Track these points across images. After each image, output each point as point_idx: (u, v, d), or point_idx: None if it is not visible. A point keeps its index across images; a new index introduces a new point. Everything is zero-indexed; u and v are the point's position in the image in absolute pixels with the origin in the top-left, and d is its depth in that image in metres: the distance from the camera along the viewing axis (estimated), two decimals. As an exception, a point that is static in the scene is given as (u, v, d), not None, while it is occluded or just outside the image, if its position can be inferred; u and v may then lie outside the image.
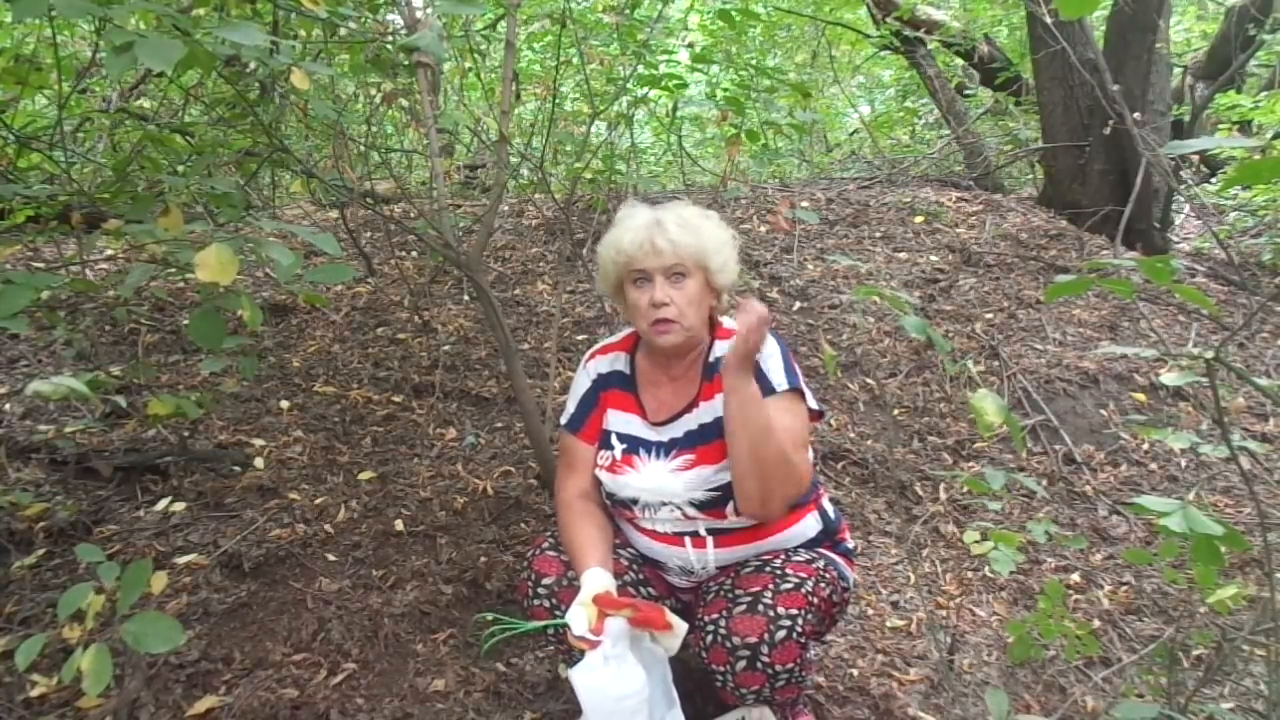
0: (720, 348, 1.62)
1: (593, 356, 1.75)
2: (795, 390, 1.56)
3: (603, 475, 1.65)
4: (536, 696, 1.88)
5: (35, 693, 1.70)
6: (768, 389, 1.55)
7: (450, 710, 1.81)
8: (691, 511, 1.58)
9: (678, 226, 1.55)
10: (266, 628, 1.96)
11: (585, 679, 1.40)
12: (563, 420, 1.75)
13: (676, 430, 1.62)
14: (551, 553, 1.63)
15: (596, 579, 1.49)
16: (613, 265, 1.60)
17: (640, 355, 1.71)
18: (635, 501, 1.62)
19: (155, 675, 1.78)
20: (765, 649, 1.44)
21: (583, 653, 1.43)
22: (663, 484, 1.58)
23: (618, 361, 1.72)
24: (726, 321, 1.67)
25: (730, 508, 1.56)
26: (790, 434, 1.52)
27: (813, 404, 1.61)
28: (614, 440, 1.67)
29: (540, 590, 1.59)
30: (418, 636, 2.00)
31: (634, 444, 1.64)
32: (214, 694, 1.76)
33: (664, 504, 1.59)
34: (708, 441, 1.58)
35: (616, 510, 1.68)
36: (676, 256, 1.54)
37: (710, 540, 1.60)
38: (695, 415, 1.61)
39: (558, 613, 1.56)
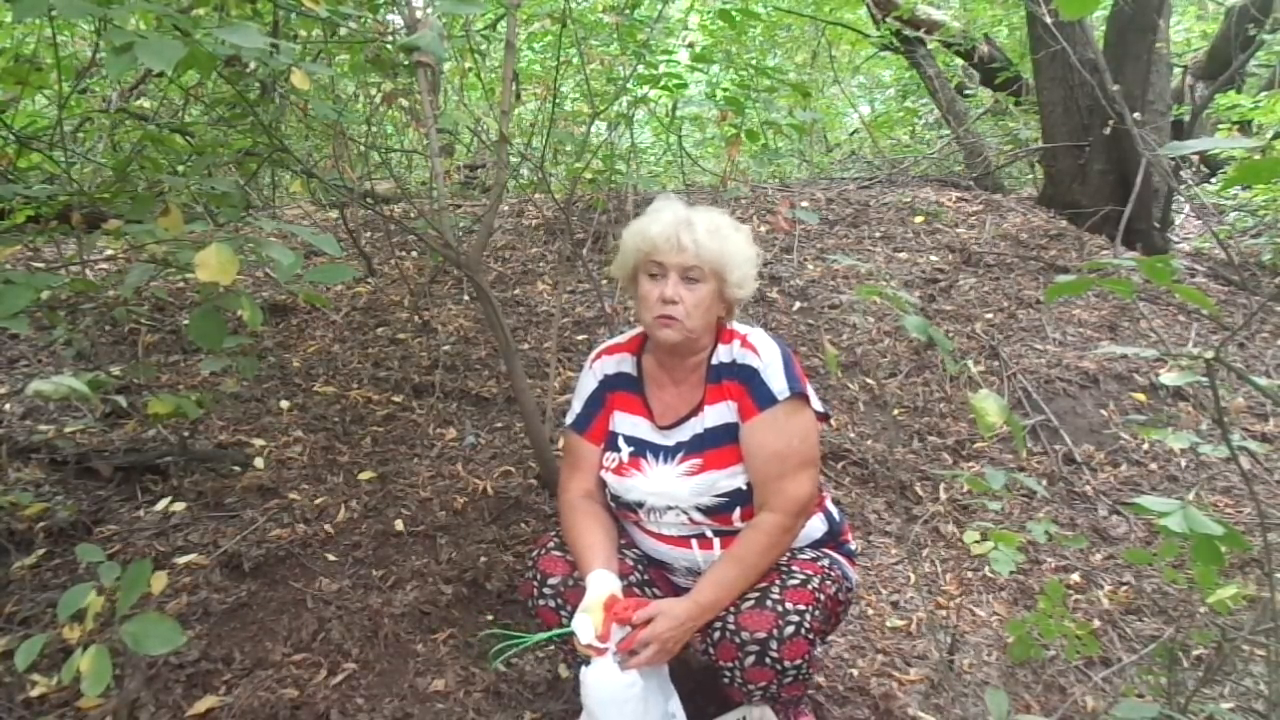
0: (723, 352, 1.61)
1: (599, 357, 1.74)
2: (798, 395, 1.55)
3: (609, 478, 1.65)
4: (536, 696, 1.88)
5: (35, 693, 1.70)
6: (768, 398, 1.54)
7: (450, 710, 1.81)
8: (698, 516, 1.58)
9: (706, 231, 1.54)
10: (266, 628, 1.96)
11: (597, 677, 1.42)
12: (568, 420, 1.74)
13: (683, 434, 1.62)
14: (557, 553, 1.63)
15: (601, 582, 1.49)
16: (634, 252, 1.60)
17: (646, 357, 1.70)
18: (641, 505, 1.62)
19: (155, 675, 1.78)
20: (774, 644, 1.44)
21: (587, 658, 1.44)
22: (669, 488, 1.58)
23: (624, 363, 1.71)
24: (731, 324, 1.66)
25: (737, 514, 1.56)
26: (789, 456, 1.53)
27: (818, 406, 1.61)
28: (621, 443, 1.66)
29: (546, 590, 1.59)
30: (418, 636, 2.00)
31: (641, 447, 1.64)
32: (214, 694, 1.76)
33: (670, 508, 1.59)
34: (717, 446, 1.58)
35: (621, 512, 1.68)
36: (697, 259, 1.53)
37: (717, 542, 1.60)
38: (701, 419, 1.60)
39: (564, 613, 1.56)
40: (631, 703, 1.41)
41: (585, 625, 1.43)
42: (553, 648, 1.89)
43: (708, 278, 1.55)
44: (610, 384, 1.71)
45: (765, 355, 1.57)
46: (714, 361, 1.62)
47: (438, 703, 1.82)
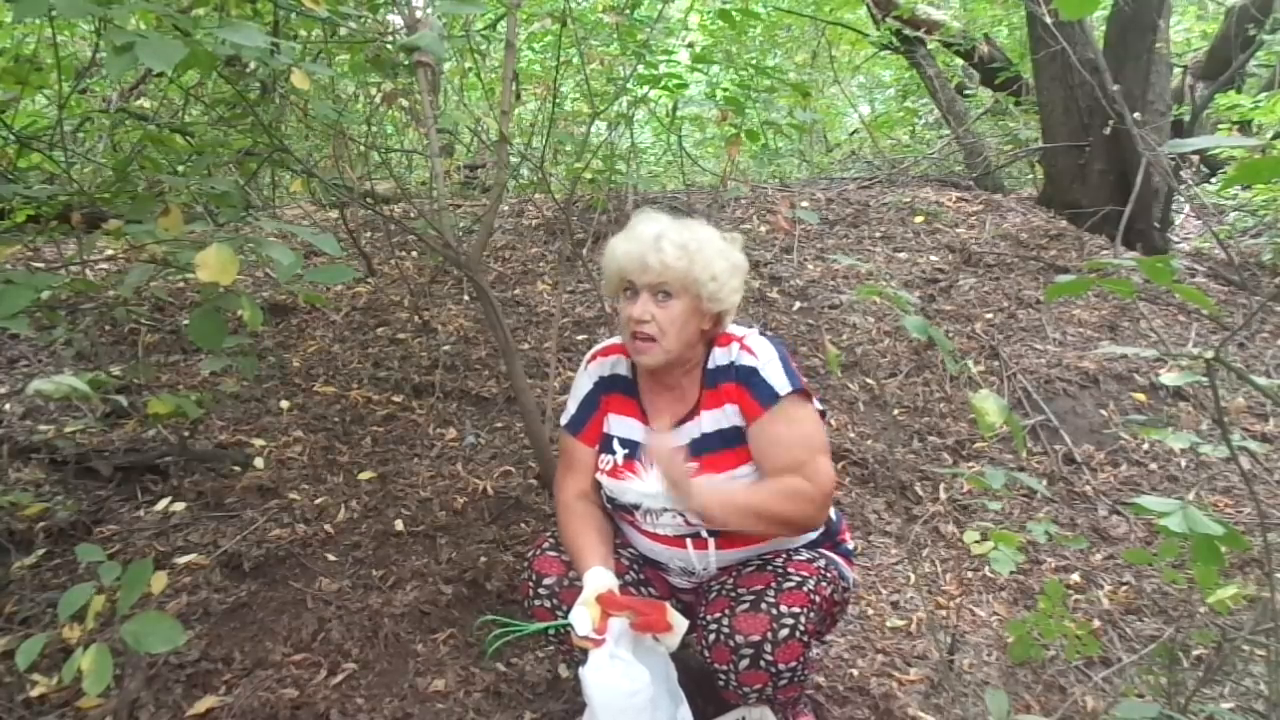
0: (719, 355, 1.60)
1: (594, 358, 1.74)
2: (799, 392, 1.55)
3: (604, 480, 1.65)
4: (536, 696, 1.88)
5: (35, 693, 1.70)
6: (770, 396, 1.53)
7: (450, 710, 1.81)
8: (693, 518, 1.58)
9: (676, 248, 1.50)
10: (266, 628, 1.96)
11: (596, 677, 1.40)
12: (563, 421, 1.74)
13: (680, 438, 1.61)
14: (552, 553, 1.63)
15: (599, 578, 1.49)
16: (610, 274, 1.60)
17: None
18: (637, 507, 1.62)
19: (155, 675, 1.78)
20: (768, 647, 1.44)
21: (586, 652, 1.43)
22: (665, 491, 1.58)
23: (619, 365, 1.71)
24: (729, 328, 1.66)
25: None
26: (804, 444, 1.52)
27: (815, 404, 1.61)
28: (616, 445, 1.66)
29: (542, 590, 1.59)
30: (418, 636, 2.00)
31: (636, 450, 1.64)
32: (214, 694, 1.76)
33: (665, 510, 1.59)
34: (714, 450, 1.57)
35: (617, 513, 1.68)
36: (663, 277, 1.50)
37: (712, 541, 1.60)
38: (697, 424, 1.59)
39: (559, 613, 1.56)
40: (635, 709, 1.40)
41: (583, 618, 1.44)
42: (552, 647, 1.89)
43: (679, 293, 1.52)
44: (605, 386, 1.71)
45: (763, 355, 1.56)
46: (710, 366, 1.61)
47: (438, 703, 1.82)
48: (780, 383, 1.54)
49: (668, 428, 1.58)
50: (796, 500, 1.49)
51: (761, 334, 1.63)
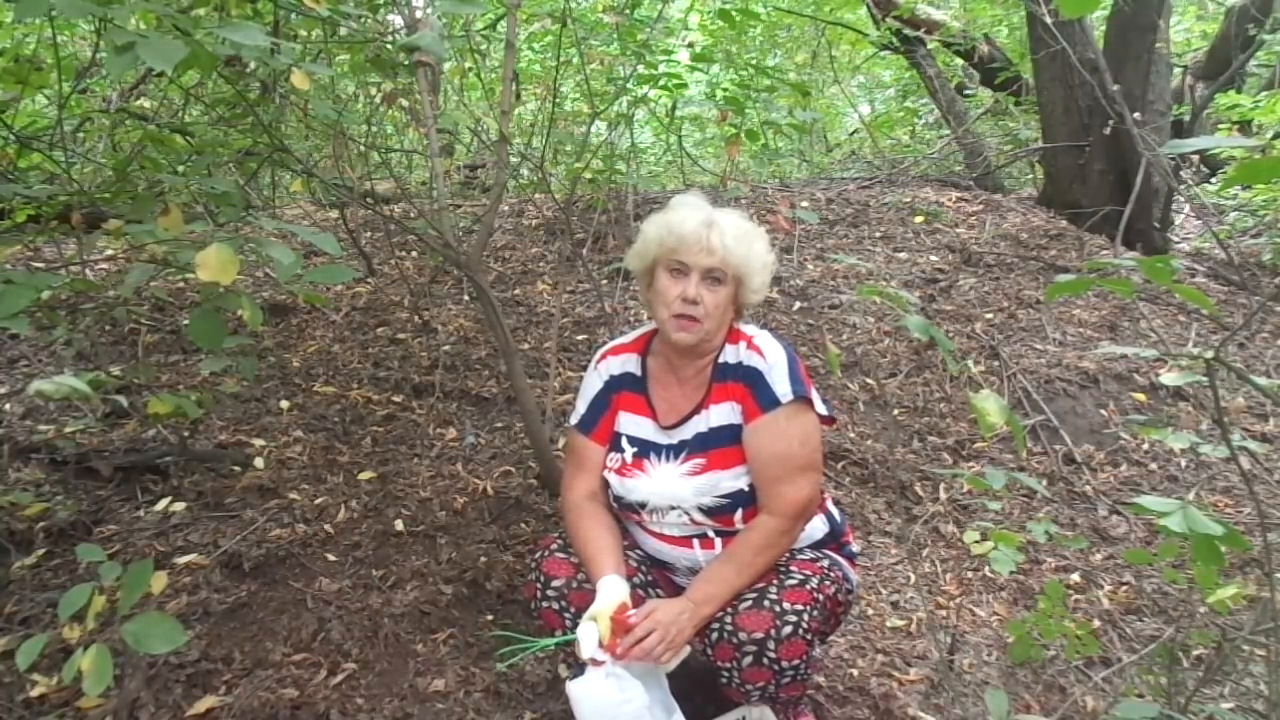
0: (729, 352, 1.61)
1: (604, 357, 1.74)
2: (801, 399, 1.55)
3: (611, 478, 1.65)
4: (536, 696, 1.88)
5: (35, 693, 1.70)
6: (771, 401, 1.54)
7: (450, 710, 1.81)
8: (699, 517, 1.58)
9: (734, 235, 1.56)
10: (266, 628, 1.96)
11: (585, 689, 1.39)
12: (572, 420, 1.74)
13: (686, 432, 1.61)
14: (561, 554, 1.62)
15: (611, 589, 1.48)
16: (658, 246, 1.59)
17: (651, 357, 1.70)
18: (644, 505, 1.61)
19: (155, 675, 1.78)
20: (772, 644, 1.43)
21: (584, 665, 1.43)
22: (672, 489, 1.58)
23: (629, 363, 1.71)
24: (738, 325, 1.66)
25: (739, 515, 1.56)
26: (786, 460, 1.53)
27: (822, 409, 1.61)
28: (624, 443, 1.66)
29: (550, 592, 1.58)
30: (418, 636, 2.00)
31: (645, 448, 1.64)
32: (214, 694, 1.76)
33: (672, 508, 1.59)
34: (720, 446, 1.58)
35: (624, 513, 1.68)
36: (723, 263, 1.54)
37: (719, 542, 1.60)
38: (704, 418, 1.60)
39: (566, 615, 1.56)
40: (626, 717, 1.39)
41: (590, 634, 1.42)
42: (554, 647, 1.89)
43: (729, 281, 1.56)
44: (616, 384, 1.71)
45: (771, 357, 1.57)
46: (720, 361, 1.62)
47: (438, 703, 1.82)
48: (783, 389, 1.54)
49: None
50: (770, 546, 1.53)
51: (770, 335, 1.64)
